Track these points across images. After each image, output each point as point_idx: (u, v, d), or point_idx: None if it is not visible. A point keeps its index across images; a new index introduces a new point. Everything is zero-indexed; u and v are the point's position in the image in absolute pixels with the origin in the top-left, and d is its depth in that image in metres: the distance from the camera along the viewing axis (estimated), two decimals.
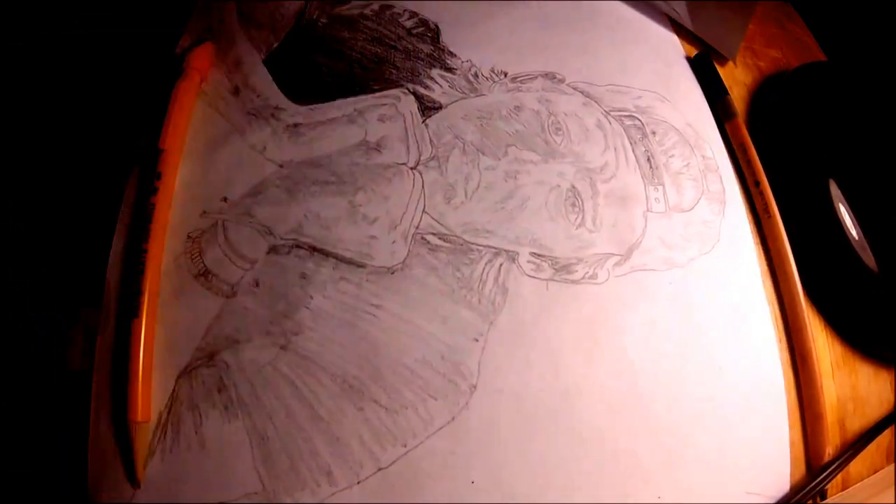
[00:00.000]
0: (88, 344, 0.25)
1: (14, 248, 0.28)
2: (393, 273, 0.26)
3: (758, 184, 0.30)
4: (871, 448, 0.27)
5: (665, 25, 0.34)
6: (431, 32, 0.31)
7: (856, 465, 0.27)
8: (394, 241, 0.26)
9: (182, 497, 0.23)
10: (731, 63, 0.34)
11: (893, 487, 0.27)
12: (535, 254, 0.27)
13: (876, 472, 0.28)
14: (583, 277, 0.27)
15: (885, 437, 0.28)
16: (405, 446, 0.24)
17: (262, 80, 0.29)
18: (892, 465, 0.28)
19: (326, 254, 0.26)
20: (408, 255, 0.26)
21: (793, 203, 0.30)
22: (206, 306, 0.26)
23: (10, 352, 0.27)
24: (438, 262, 0.26)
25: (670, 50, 0.33)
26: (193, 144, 0.28)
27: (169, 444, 0.24)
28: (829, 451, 0.27)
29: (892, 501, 0.26)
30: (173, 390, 0.25)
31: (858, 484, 0.27)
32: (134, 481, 0.24)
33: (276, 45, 0.30)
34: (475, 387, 0.25)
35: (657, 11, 0.34)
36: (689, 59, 0.34)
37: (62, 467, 0.25)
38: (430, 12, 0.32)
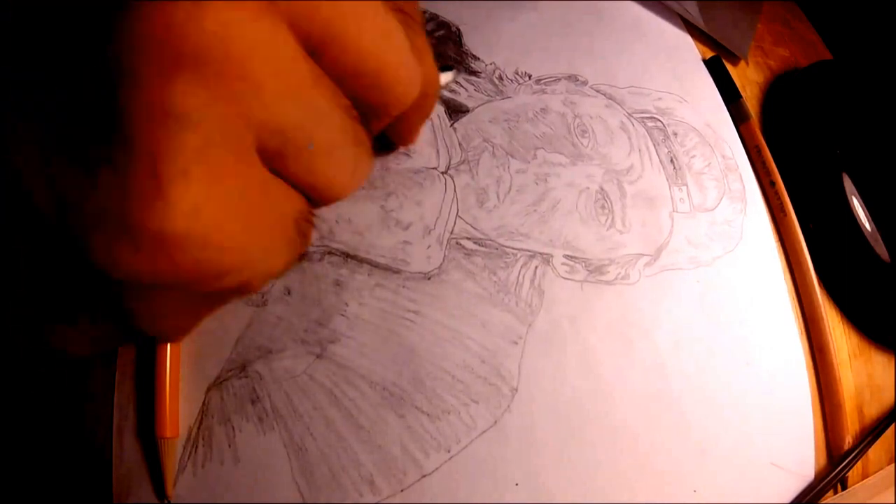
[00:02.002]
0: (110, 358, 0.25)
1: (24, 256, 0.27)
2: (429, 279, 0.26)
3: (773, 184, 0.31)
4: (889, 434, 0.29)
5: (679, 26, 0.35)
6: (454, 35, 0.31)
7: (876, 452, 0.28)
8: (429, 247, 0.26)
9: None
10: (742, 62, 0.35)
11: (893, 487, 0.28)
12: (568, 256, 0.27)
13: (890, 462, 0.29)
14: (615, 278, 0.27)
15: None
16: (449, 451, 0.24)
17: None
18: (892, 465, 0.29)
19: (360, 260, 0.26)
20: (444, 260, 0.26)
21: (808, 197, 0.30)
22: (236, 316, 0.25)
23: (22, 369, 0.26)
24: (474, 266, 0.26)
25: (685, 50, 0.34)
26: None
27: (201, 459, 0.23)
28: (849, 439, 0.28)
29: (892, 501, 0.27)
30: (203, 403, 0.24)
31: (859, 483, 0.28)
32: (163, 497, 0.23)
33: None
34: (516, 389, 0.25)
35: (671, 12, 0.34)
36: (703, 60, 0.34)
37: (83, 488, 0.24)
38: (449, 14, 0.31)
